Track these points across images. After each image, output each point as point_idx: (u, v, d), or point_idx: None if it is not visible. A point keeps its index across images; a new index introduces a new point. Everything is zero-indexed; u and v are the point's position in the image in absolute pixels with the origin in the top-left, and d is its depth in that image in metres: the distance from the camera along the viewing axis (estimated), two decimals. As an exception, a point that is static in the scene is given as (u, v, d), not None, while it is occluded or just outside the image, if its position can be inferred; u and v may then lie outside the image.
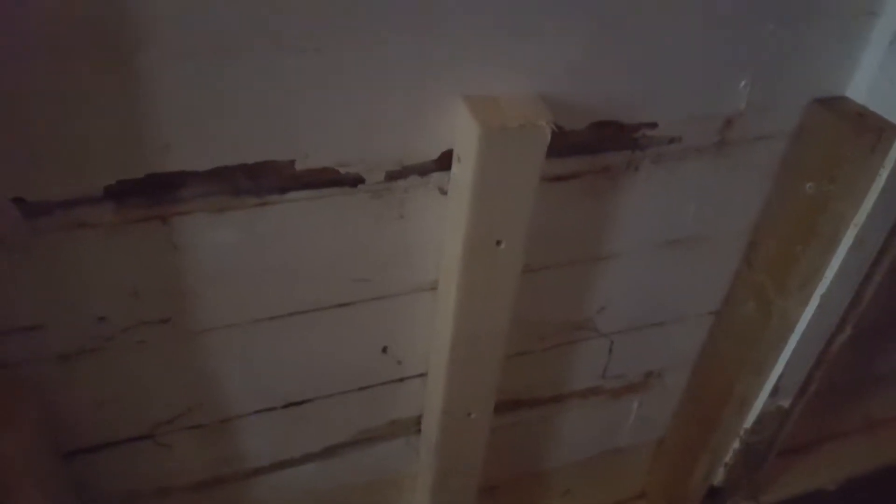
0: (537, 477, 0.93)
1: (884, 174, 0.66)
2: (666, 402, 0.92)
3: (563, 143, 0.59)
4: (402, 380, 0.69)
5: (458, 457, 0.72)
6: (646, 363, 0.86)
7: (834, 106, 0.66)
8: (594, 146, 0.61)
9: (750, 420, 0.87)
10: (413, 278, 0.61)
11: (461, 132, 0.52)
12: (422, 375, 0.69)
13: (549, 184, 0.61)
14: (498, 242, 0.56)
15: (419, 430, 0.74)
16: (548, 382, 0.81)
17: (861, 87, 0.67)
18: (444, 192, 0.57)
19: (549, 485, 0.95)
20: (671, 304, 0.80)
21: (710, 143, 0.66)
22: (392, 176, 0.54)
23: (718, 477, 0.96)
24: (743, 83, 0.62)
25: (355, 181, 0.53)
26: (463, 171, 0.53)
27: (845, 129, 0.64)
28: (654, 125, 0.62)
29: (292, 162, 0.49)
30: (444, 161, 0.55)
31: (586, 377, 0.83)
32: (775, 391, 0.84)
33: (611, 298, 0.76)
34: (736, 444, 0.91)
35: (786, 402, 0.86)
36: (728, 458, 0.93)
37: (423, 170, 0.55)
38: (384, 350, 0.65)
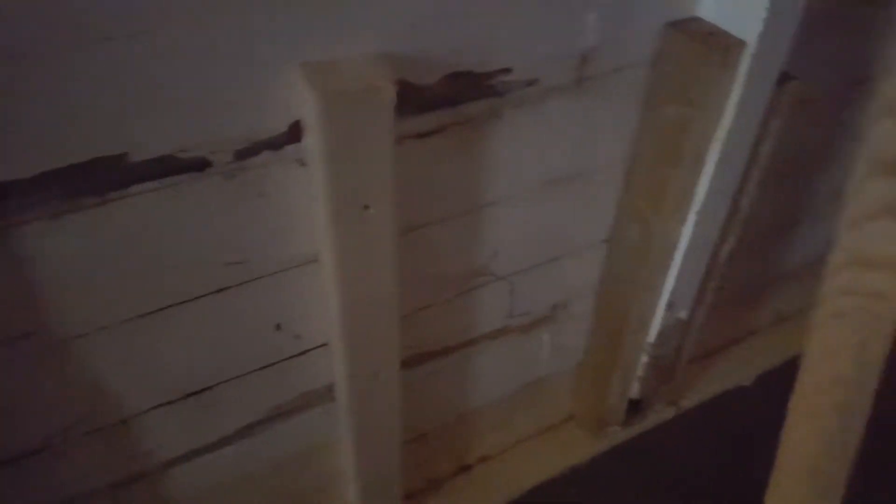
0: (465, 418, 0.97)
1: (737, 89, 0.68)
2: (577, 329, 0.96)
3: (418, 99, 0.59)
4: (304, 353, 0.69)
5: (375, 417, 0.74)
6: (549, 297, 0.89)
7: (685, 28, 0.68)
8: (452, 99, 0.61)
9: (652, 335, 0.92)
10: (292, 253, 0.61)
11: (304, 101, 0.51)
12: (324, 346, 0.70)
13: (414, 141, 0.61)
14: (366, 207, 0.56)
15: (334, 398, 0.76)
16: (456, 331, 0.84)
17: (710, 6, 0.68)
18: (303, 164, 0.56)
19: (477, 423, 0.99)
20: (563, 240, 0.83)
21: (569, 81, 0.66)
22: (242, 155, 0.53)
23: (634, 391, 1.02)
24: (592, 17, 0.63)
25: (202, 165, 0.51)
26: (313, 141, 0.53)
27: (695, 49, 0.66)
28: (508, 70, 0.62)
29: (124, 155, 0.47)
30: (296, 132, 0.54)
31: (493, 319, 0.86)
32: (670, 305, 0.89)
33: (502, 243, 0.77)
34: (644, 359, 0.96)
35: (683, 314, 0.91)
36: (639, 372, 0.98)
37: (276, 144, 0.54)
38: (278, 327, 0.65)
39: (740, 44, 0.65)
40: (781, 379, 1.17)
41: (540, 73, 0.64)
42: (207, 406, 0.67)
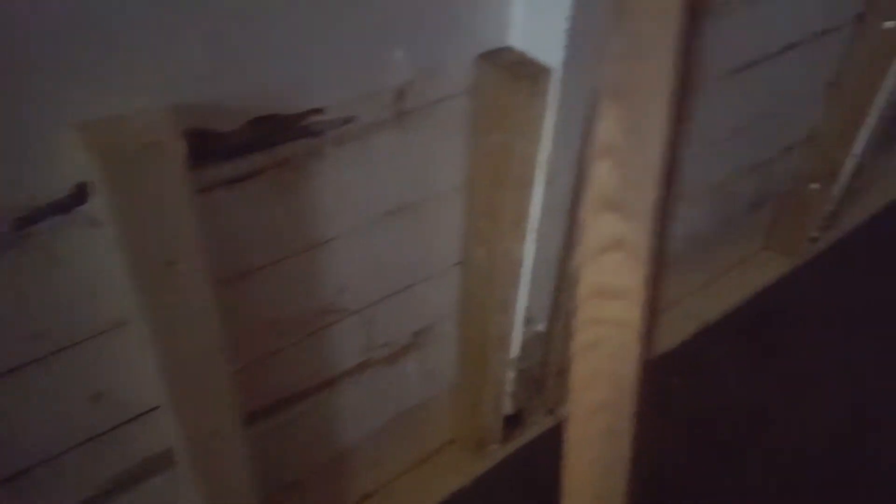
0: (340, 458, 0.94)
1: (550, 114, 0.71)
2: (443, 353, 0.97)
3: (222, 146, 0.57)
4: (134, 419, 0.65)
5: (221, 477, 0.70)
6: (410, 325, 0.89)
7: (496, 58, 0.70)
8: (262, 143, 0.60)
9: (515, 350, 0.95)
10: (100, 318, 0.58)
11: (86, 161, 0.48)
12: (156, 409, 0.66)
13: (225, 188, 0.60)
14: (171, 263, 0.54)
15: (175, 462, 0.72)
16: (312, 372, 0.82)
17: (519, 35, 0.71)
18: (97, 225, 0.53)
19: (354, 462, 0.97)
20: (414, 267, 0.83)
21: (388, 116, 0.67)
22: (24, 222, 0.50)
23: (508, 406, 1.03)
24: (401, 53, 0.64)
25: (-26, 239, 0.47)
26: (102, 201, 0.50)
27: (505, 79, 0.68)
28: (320, 110, 0.62)
29: None
30: (83, 194, 0.51)
31: (352, 355, 0.85)
32: (528, 320, 0.91)
33: (348, 278, 0.76)
34: (511, 374, 0.98)
35: (542, 327, 0.94)
36: (510, 387, 1.00)
37: (63, 207, 0.51)
38: (97, 397, 0.61)
39: (546, 71, 0.68)
40: (654, 373, 1.26)
41: (356, 111, 0.64)
42: (29, 489, 0.62)
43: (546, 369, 1.04)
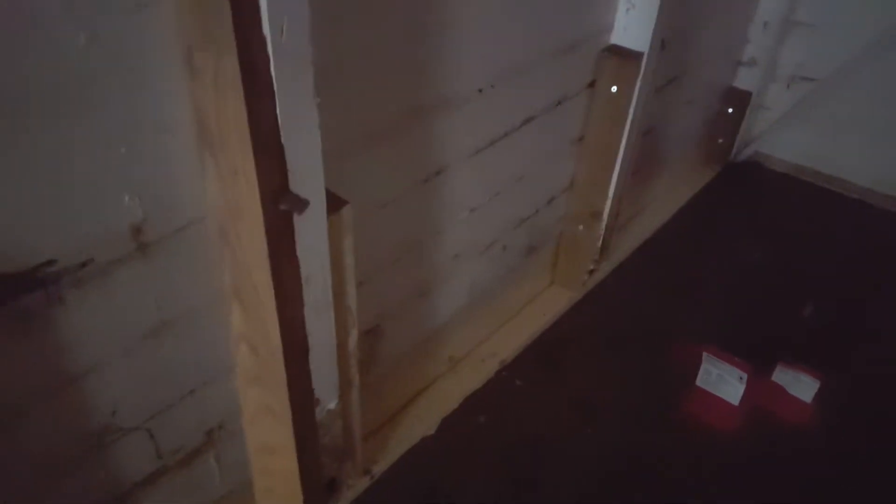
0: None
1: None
2: (243, 443, 1.01)
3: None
4: None
5: None
6: (200, 426, 0.93)
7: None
8: (-10, 301, 0.62)
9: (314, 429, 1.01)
10: None
11: None
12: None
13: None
14: None
15: None
16: (103, 490, 0.83)
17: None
18: None
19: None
20: (190, 375, 0.87)
21: (130, 251, 0.72)
22: None
23: (325, 478, 1.10)
24: (127, 198, 0.69)
25: None
26: None
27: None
28: (52, 262, 0.65)
29: None
30: None
31: (142, 466, 0.87)
32: (317, 402, 0.98)
33: (119, 399, 0.80)
34: (318, 446, 1.05)
35: (333, 405, 1.02)
36: (320, 458, 1.06)
37: None
38: None
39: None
40: (458, 419, 1.35)
41: (92, 254, 0.69)
42: None
43: (351, 437, 1.11)
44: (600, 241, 1.58)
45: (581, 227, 1.55)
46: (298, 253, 0.78)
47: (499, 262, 1.40)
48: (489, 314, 1.47)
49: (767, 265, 1.79)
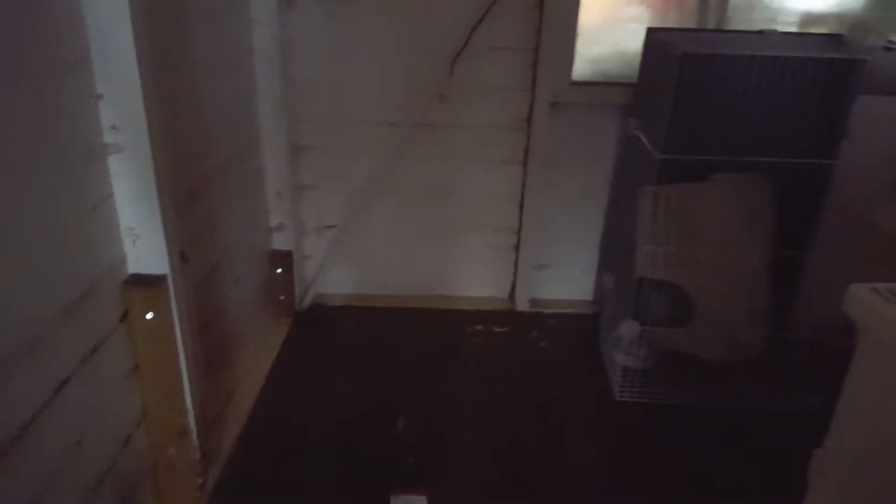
0: None
1: None
2: None
3: None
4: None
5: None
6: None
7: None
8: None
9: None
10: None
11: None
12: None
13: None
14: None
15: None
16: None
17: None
18: None
19: None
20: None
21: None
22: None
23: None
24: None
25: None
26: None
27: None
28: None
29: None
30: None
31: None
32: None
33: None
34: None
35: None
36: None
37: None
38: None
39: None
40: None
41: None
42: None
43: None
44: (198, 453, 1.54)
45: (172, 450, 1.49)
46: None
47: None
48: None
49: (359, 392, 1.99)
